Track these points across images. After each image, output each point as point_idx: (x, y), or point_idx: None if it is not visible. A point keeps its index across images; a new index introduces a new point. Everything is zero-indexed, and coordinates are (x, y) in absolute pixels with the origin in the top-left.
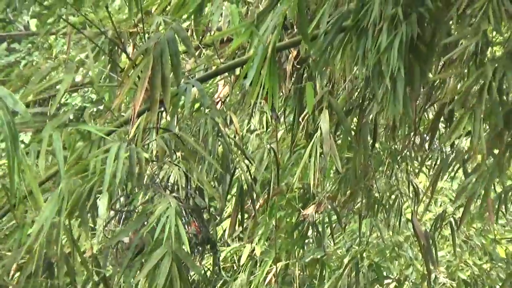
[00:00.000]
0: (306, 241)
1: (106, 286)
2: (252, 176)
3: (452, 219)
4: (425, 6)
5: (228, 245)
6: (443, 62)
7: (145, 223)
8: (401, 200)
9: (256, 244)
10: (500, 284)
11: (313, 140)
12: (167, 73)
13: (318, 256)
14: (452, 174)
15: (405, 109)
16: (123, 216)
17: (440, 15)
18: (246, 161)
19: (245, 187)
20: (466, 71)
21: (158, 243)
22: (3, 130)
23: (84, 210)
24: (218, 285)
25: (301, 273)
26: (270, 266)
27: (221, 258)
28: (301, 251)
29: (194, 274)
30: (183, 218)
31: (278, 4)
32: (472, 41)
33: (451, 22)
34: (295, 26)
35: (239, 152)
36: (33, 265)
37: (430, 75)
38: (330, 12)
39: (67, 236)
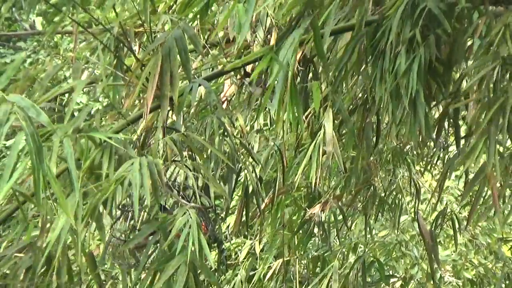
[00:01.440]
0: (312, 239)
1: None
2: (258, 175)
3: (454, 216)
4: (443, 27)
5: (231, 240)
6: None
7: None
8: (405, 199)
9: (256, 240)
10: (507, 282)
11: (316, 139)
12: (175, 71)
13: (321, 253)
14: (458, 173)
15: (426, 131)
16: (130, 215)
17: (457, 35)
18: (252, 161)
19: (250, 186)
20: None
21: (174, 252)
22: (28, 143)
23: (100, 220)
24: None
25: (303, 270)
26: (271, 262)
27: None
28: (305, 248)
29: None
30: None
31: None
32: (491, 67)
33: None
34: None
35: (245, 151)
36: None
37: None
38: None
39: (73, 238)
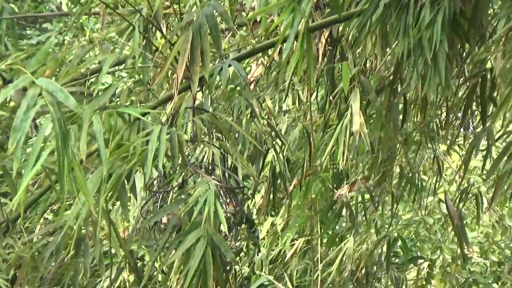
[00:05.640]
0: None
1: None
2: (285, 157)
3: (478, 195)
4: None
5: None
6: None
7: (183, 204)
8: (431, 180)
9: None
10: None
11: (343, 119)
12: (206, 47)
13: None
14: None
15: (446, 81)
16: (160, 196)
17: None
18: (279, 142)
19: (277, 167)
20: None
21: (195, 225)
22: (54, 128)
23: (124, 192)
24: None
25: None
26: (292, 240)
27: None
28: (332, 229)
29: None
30: (220, 198)
31: None
32: None
33: None
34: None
35: (272, 132)
36: (71, 246)
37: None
38: None
39: (105, 218)
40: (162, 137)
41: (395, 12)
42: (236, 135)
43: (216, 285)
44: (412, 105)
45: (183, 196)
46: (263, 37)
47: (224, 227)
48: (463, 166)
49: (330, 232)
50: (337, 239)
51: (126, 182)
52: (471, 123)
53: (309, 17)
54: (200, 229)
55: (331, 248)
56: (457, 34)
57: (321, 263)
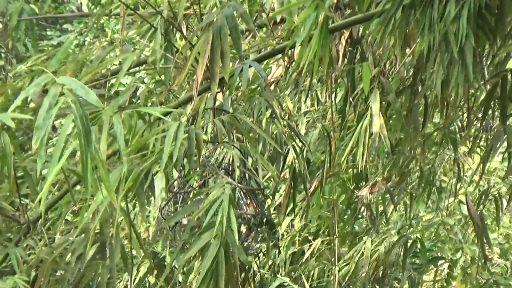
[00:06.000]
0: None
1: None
2: (305, 158)
3: (497, 196)
4: None
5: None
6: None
7: (199, 206)
8: (452, 181)
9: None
10: None
11: (363, 120)
12: (226, 49)
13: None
14: (506, 154)
15: (474, 75)
16: (180, 198)
17: None
18: (299, 143)
19: (297, 168)
20: None
21: (209, 225)
22: (77, 125)
23: (142, 191)
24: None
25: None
26: (309, 241)
27: None
28: (351, 229)
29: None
30: (240, 200)
31: None
32: None
33: None
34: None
35: (292, 133)
36: (88, 246)
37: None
38: None
39: (125, 217)
40: (179, 133)
41: (419, 9)
42: (257, 136)
43: (226, 285)
44: (432, 106)
45: (201, 197)
46: (283, 39)
47: (235, 233)
48: (481, 166)
49: (347, 231)
50: (356, 240)
51: (144, 182)
52: (491, 124)
53: (329, 17)
54: (214, 230)
55: (348, 248)
56: (483, 30)
57: (338, 263)
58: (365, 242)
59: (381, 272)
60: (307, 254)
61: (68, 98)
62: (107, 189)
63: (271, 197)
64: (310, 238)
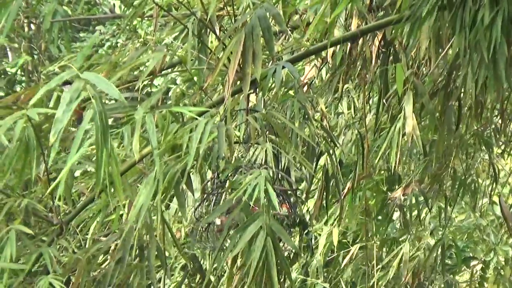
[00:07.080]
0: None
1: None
2: (338, 160)
3: None
4: None
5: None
6: None
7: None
8: (485, 182)
9: (334, 226)
10: None
11: (396, 122)
12: (259, 50)
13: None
14: None
15: (507, 81)
16: (214, 198)
17: None
18: (332, 144)
19: (330, 170)
20: None
21: (252, 218)
22: (95, 121)
23: (180, 192)
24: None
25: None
26: (345, 244)
27: None
28: (385, 232)
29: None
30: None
31: None
32: None
33: None
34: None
35: (326, 135)
36: (129, 250)
37: None
38: None
39: (159, 218)
40: (207, 127)
41: (450, 11)
42: (289, 136)
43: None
44: (467, 108)
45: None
46: (317, 40)
47: (275, 206)
48: None
49: (383, 236)
50: (393, 244)
51: (181, 181)
52: None
53: (363, 19)
54: (258, 221)
55: (386, 252)
56: None
57: (376, 267)
58: (401, 247)
59: (422, 278)
60: (346, 259)
61: (89, 93)
62: (117, 188)
63: (304, 199)
64: (346, 241)
